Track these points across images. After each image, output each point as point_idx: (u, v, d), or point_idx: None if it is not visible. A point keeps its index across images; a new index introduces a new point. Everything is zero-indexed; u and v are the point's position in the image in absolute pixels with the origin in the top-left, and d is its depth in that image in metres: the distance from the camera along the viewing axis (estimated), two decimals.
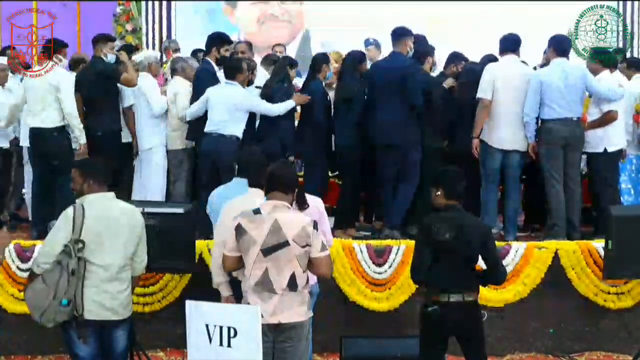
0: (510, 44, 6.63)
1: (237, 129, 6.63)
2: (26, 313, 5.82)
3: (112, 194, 4.40)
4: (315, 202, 4.86)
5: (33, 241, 6.17)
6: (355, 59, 7.01)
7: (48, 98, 6.56)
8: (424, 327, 4.49)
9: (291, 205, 4.26)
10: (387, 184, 6.67)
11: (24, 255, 6.00)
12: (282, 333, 4.09)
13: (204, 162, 6.67)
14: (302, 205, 4.80)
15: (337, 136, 6.89)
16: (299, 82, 7.71)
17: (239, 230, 4.10)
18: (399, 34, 6.67)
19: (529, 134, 6.42)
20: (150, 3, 10.69)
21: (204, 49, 7.16)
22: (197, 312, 3.99)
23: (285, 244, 4.06)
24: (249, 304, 4.07)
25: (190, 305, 4.03)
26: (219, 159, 6.44)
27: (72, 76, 6.87)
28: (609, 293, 6.07)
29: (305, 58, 10.34)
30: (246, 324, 3.85)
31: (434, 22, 9.88)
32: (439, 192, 4.48)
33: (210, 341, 3.90)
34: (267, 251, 4.05)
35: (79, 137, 6.63)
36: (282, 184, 4.21)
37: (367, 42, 8.82)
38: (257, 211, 4.13)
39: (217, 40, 6.92)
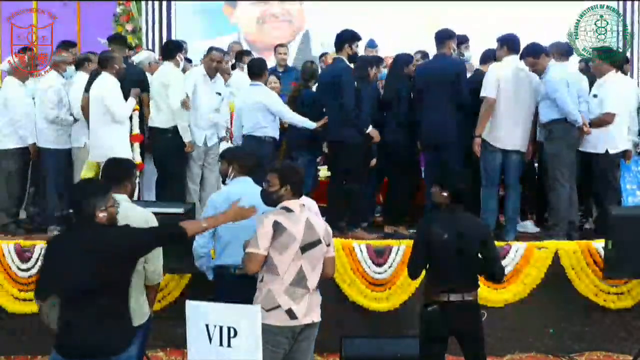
0: (512, 44, 6.63)
1: (271, 130, 6.94)
2: (26, 313, 5.87)
3: (123, 197, 4.20)
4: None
5: (33, 241, 6.17)
6: (402, 61, 7.18)
7: (162, 96, 6.71)
8: (424, 327, 4.50)
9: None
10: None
11: (23, 255, 6.01)
12: (303, 332, 4.12)
13: None
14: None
15: (384, 135, 6.95)
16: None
17: (278, 227, 4.08)
18: (443, 37, 6.79)
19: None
20: (150, 3, 10.67)
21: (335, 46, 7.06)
22: (197, 312, 3.98)
23: (319, 241, 4.16)
24: (279, 305, 4.05)
25: (190, 305, 4.02)
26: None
27: (181, 74, 6.99)
28: (609, 293, 6.08)
29: (305, 58, 10.35)
30: (246, 324, 3.85)
31: (434, 21, 9.88)
32: (443, 192, 4.48)
33: (210, 341, 3.90)
34: (304, 248, 4.11)
35: (183, 135, 6.76)
36: (300, 185, 4.28)
37: (372, 44, 8.79)
38: (289, 209, 4.17)
39: (349, 37, 6.88)
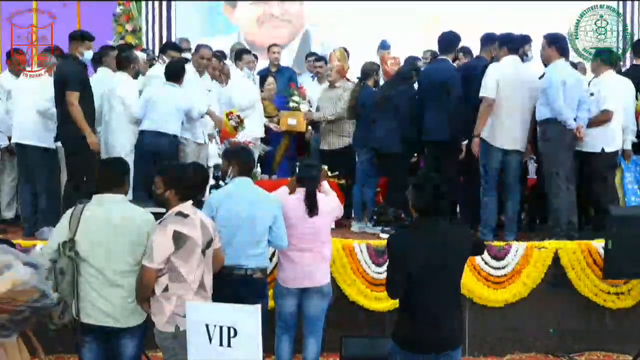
0: (511, 44, 6.63)
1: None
2: None
3: (121, 197, 4.22)
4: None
5: (33, 241, 6.17)
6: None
7: None
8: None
9: None
10: (456, 182, 6.89)
11: None
12: None
13: None
14: (313, 211, 4.81)
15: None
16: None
17: (180, 237, 3.98)
18: (486, 40, 6.97)
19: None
20: (150, 3, 10.67)
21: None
22: (197, 312, 3.98)
23: (212, 240, 4.13)
24: None
25: (190, 305, 4.02)
26: None
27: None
28: (609, 293, 6.08)
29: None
30: (246, 324, 3.85)
31: (433, 21, 9.89)
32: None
33: (210, 341, 3.90)
34: (203, 251, 4.07)
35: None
36: (187, 190, 4.19)
37: (385, 45, 8.72)
38: (184, 215, 4.06)
39: (458, 38, 7.05)
